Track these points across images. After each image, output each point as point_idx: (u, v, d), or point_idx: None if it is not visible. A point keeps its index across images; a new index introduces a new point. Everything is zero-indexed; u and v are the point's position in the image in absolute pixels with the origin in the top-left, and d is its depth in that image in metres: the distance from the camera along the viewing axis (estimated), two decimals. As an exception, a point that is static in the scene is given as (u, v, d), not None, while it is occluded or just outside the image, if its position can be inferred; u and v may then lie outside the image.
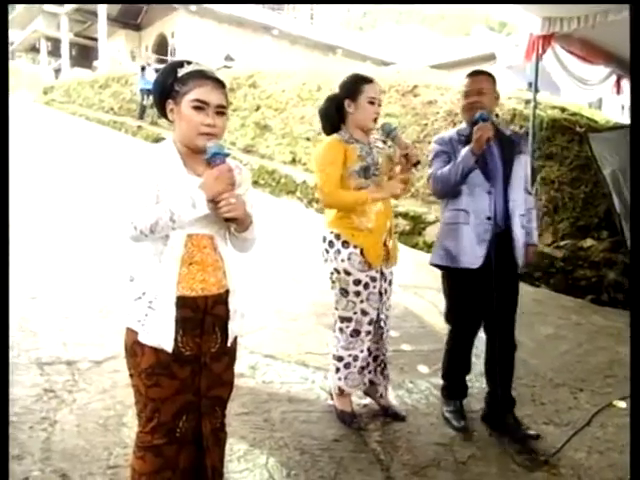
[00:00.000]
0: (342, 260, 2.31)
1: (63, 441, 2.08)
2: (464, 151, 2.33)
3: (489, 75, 2.47)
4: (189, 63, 1.51)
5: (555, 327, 3.96)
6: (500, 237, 2.37)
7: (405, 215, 6.09)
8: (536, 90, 5.26)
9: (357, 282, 2.32)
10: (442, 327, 2.67)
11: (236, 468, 2.04)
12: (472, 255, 2.35)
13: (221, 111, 1.49)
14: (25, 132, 9.65)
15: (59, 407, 2.30)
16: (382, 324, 2.43)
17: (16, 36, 27.71)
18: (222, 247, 1.55)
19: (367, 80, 2.35)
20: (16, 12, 25.28)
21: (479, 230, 2.36)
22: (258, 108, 9.52)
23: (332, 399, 2.53)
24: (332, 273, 2.37)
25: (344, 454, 2.20)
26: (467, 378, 2.61)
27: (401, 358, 3.11)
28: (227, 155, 1.47)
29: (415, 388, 2.84)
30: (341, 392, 2.44)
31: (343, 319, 2.39)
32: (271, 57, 15.99)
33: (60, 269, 3.95)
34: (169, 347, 1.44)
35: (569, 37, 4.89)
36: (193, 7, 21.09)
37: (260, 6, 23.16)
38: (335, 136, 2.35)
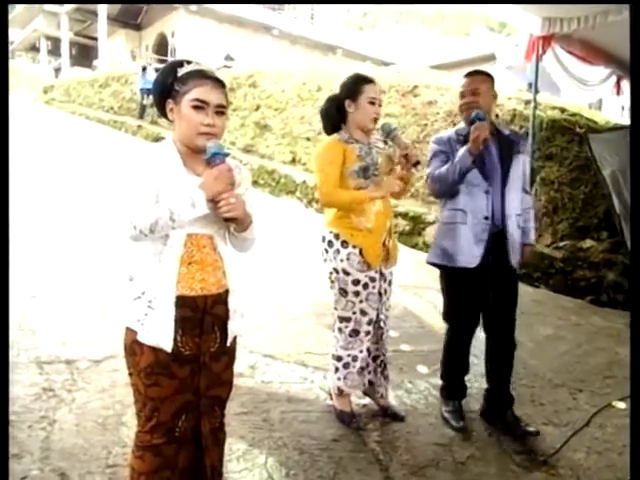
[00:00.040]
0: (341, 260, 2.31)
1: (62, 440, 2.08)
2: (461, 151, 2.34)
3: (486, 75, 2.47)
4: (189, 63, 1.51)
5: (554, 328, 3.96)
6: (498, 236, 2.38)
7: (405, 215, 6.10)
8: (536, 91, 5.26)
9: (356, 282, 2.32)
10: (441, 327, 2.67)
11: (235, 468, 2.04)
12: (469, 254, 2.36)
13: (221, 111, 1.49)
14: (25, 131, 9.65)
15: (58, 406, 2.30)
16: (382, 324, 2.43)
17: (16, 35, 27.73)
18: (222, 247, 1.55)
19: (367, 80, 2.36)
20: (16, 11, 25.29)
21: (476, 230, 2.37)
22: (258, 108, 9.52)
23: (331, 399, 2.53)
24: (331, 273, 2.37)
25: (343, 454, 2.20)
26: (466, 378, 2.61)
27: (400, 358, 3.11)
28: (227, 155, 1.47)
29: (414, 388, 2.84)
30: (340, 392, 2.44)
31: (342, 319, 2.39)
32: (271, 57, 15.99)
33: (60, 268, 3.95)
34: (168, 347, 1.44)
35: (569, 38, 4.89)
36: (193, 7, 21.10)
37: (260, 6, 23.16)
38: (335, 136, 2.35)
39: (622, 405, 2.78)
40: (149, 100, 12.17)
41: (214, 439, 1.58)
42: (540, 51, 4.87)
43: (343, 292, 2.35)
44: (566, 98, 6.24)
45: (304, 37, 23.70)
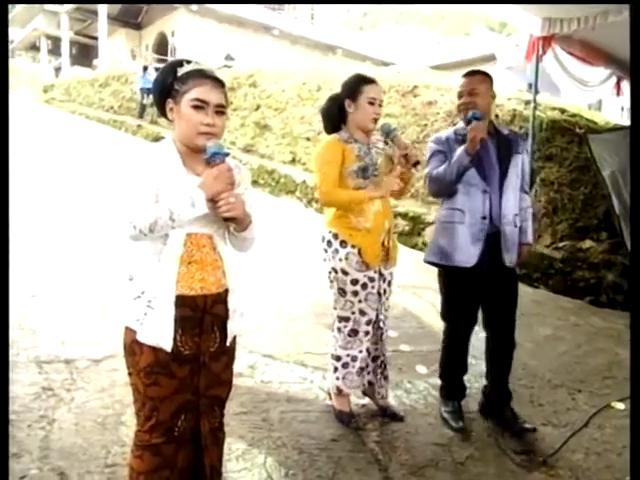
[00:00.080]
0: (340, 260, 2.31)
1: (61, 439, 2.08)
2: (459, 151, 2.34)
3: (485, 75, 2.47)
4: (189, 62, 1.51)
5: (554, 328, 3.96)
6: (495, 236, 2.39)
7: (404, 215, 6.09)
8: (536, 91, 5.26)
9: (355, 282, 2.32)
10: (441, 327, 2.67)
11: (234, 467, 2.04)
12: (466, 254, 2.37)
13: (221, 110, 1.49)
14: (25, 130, 9.64)
15: (57, 405, 2.30)
16: (381, 325, 2.43)
17: (16, 34, 27.73)
18: (221, 246, 1.55)
19: (368, 80, 2.36)
20: (16, 10, 25.30)
21: (474, 230, 2.37)
22: (258, 108, 9.52)
23: (330, 399, 2.53)
24: (330, 272, 2.37)
25: (342, 454, 2.20)
26: (465, 379, 2.62)
27: (399, 358, 3.11)
28: (227, 154, 1.47)
29: (413, 388, 2.84)
30: (339, 392, 2.44)
31: (341, 319, 2.39)
32: (271, 57, 15.99)
33: (59, 268, 3.95)
34: (168, 346, 1.44)
35: (569, 38, 4.89)
36: (194, 6, 21.09)
37: (261, 6, 23.17)
38: (334, 136, 2.35)
39: (621, 406, 2.78)
40: (149, 100, 12.17)
41: (213, 439, 1.58)
42: (540, 51, 4.87)
43: (342, 292, 2.35)
44: (566, 99, 6.25)
45: (304, 37, 23.71)
